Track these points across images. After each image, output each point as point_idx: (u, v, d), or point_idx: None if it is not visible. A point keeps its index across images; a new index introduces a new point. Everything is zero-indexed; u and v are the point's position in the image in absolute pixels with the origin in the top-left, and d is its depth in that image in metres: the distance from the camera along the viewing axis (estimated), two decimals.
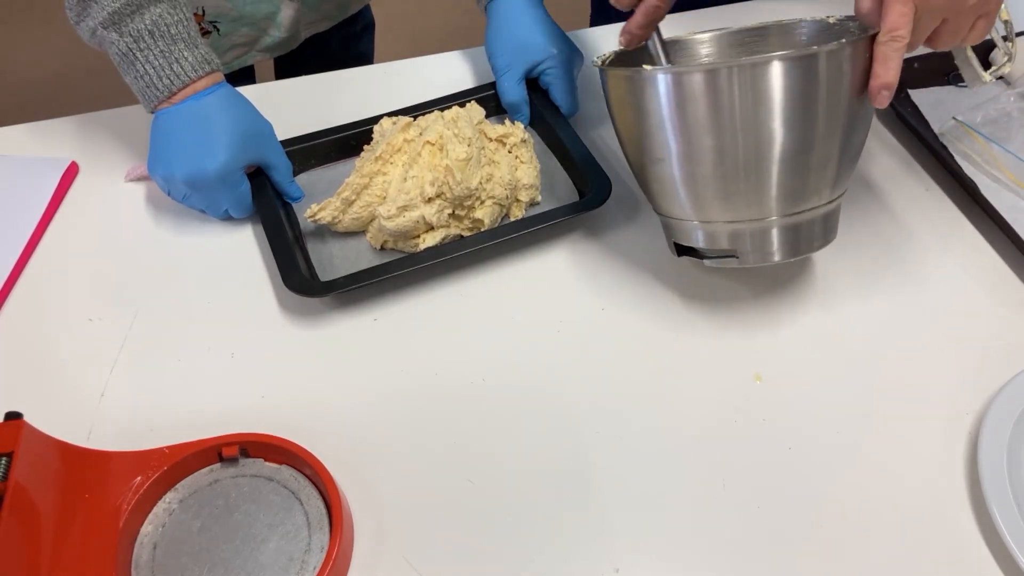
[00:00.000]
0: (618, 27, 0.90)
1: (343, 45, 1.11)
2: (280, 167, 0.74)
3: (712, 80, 0.54)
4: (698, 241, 0.62)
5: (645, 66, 0.57)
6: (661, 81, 0.56)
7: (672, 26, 0.94)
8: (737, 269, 0.70)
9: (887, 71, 0.55)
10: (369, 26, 1.18)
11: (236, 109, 0.71)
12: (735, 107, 0.55)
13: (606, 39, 0.92)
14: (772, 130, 0.56)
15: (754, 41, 0.69)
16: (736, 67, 0.54)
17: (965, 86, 0.84)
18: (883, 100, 0.56)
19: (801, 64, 0.54)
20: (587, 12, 1.22)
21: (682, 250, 0.64)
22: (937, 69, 0.85)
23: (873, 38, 0.55)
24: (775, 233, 0.60)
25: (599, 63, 0.64)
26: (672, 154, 0.58)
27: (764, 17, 0.70)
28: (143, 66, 0.67)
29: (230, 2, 0.89)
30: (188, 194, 0.71)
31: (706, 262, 0.64)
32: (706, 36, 0.70)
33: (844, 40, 0.55)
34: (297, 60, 1.04)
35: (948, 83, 0.85)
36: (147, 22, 0.66)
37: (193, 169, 0.69)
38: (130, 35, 0.67)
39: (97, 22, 0.66)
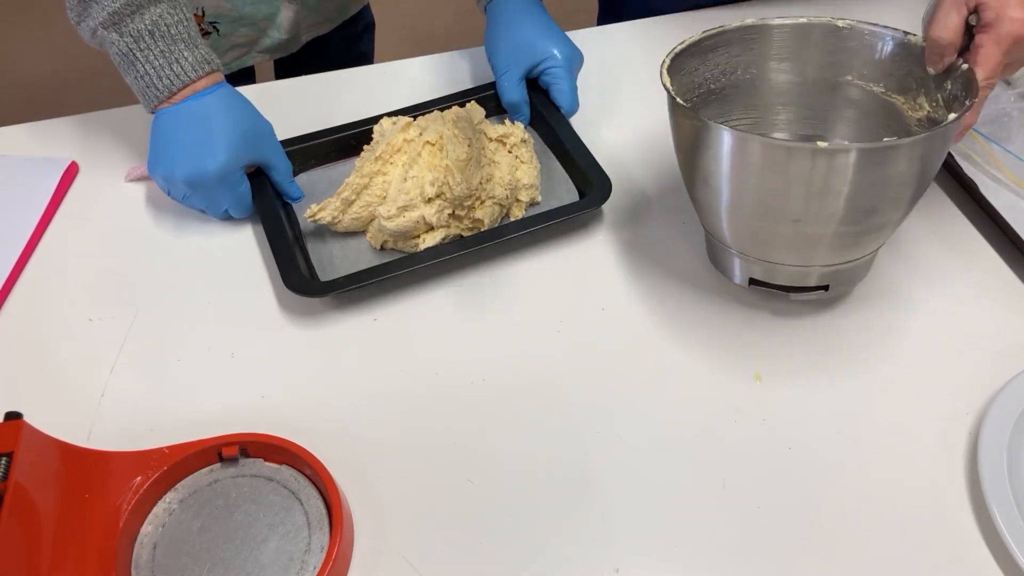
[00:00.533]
0: (626, 26, 0.90)
1: (343, 45, 1.11)
2: (280, 167, 0.74)
3: (784, 156, 0.55)
4: (758, 273, 0.65)
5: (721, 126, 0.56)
6: (726, 140, 0.56)
7: (673, 26, 0.94)
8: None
9: (974, 115, 0.59)
10: (369, 26, 1.18)
11: (236, 109, 0.71)
12: (804, 180, 0.55)
13: (614, 38, 0.92)
14: (838, 207, 0.56)
15: (834, 46, 0.67)
16: (812, 152, 0.54)
17: None
18: (961, 137, 0.60)
19: (880, 154, 0.54)
20: (595, 11, 1.22)
21: (753, 282, 0.65)
22: None
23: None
24: (816, 274, 0.63)
25: (670, 87, 0.60)
26: (731, 204, 0.60)
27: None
28: (143, 66, 0.67)
29: (230, 2, 0.89)
30: (188, 194, 0.71)
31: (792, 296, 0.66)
32: (787, 24, 0.68)
33: (924, 134, 0.54)
34: (297, 61, 1.04)
35: None
36: (147, 22, 0.66)
37: (193, 169, 0.69)
38: (130, 35, 0.67)
39: (97, 22, 0.66)
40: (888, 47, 0.65)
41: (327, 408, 0.62)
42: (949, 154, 0.77)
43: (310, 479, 0.56)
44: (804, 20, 0.67)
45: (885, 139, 0.54)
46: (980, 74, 0.58)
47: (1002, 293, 0.69)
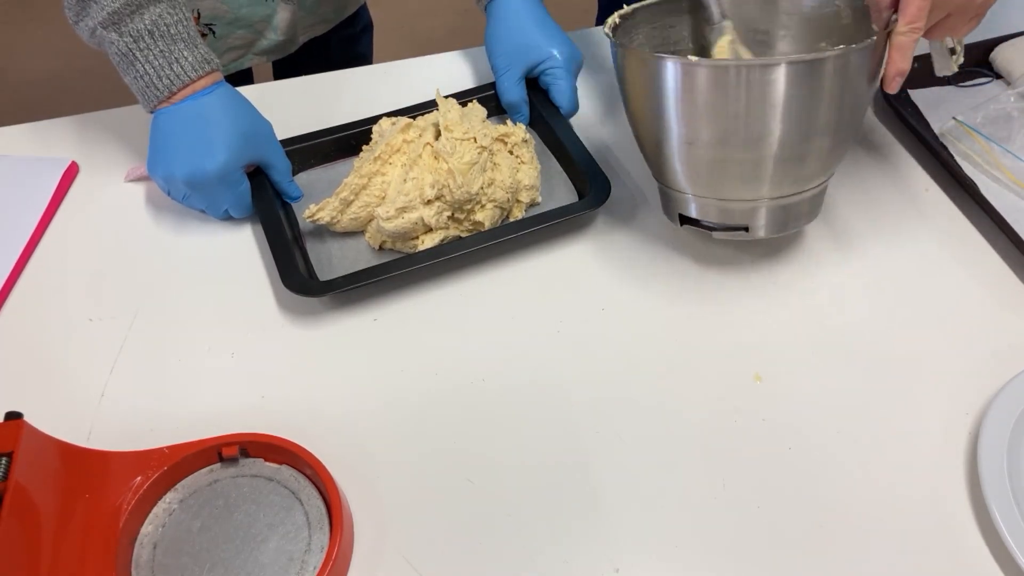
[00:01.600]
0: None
1: (342, 46, 1.11)
2: (280, 167, 0.74)
3: (722, 76, 0.58)
4: (692, 212, 0.66)
5: (659, 54, 0.60)
6: (671, 70, 0.59)
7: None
8: (736, 264, 0.70)
9: (904, 59, 0.59)
10: (368, 27, 1.18)
11: (236, 108, 0.71)
12: (741, 101, 0.58)
13: (597, 41, 0.92)
14: (772, 127, 0.58)
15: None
16: (745, 67, 0.57)
17: (966, 86, 0.85)
18: (896, 86, 0.60)
19: (809, 68, 0.57)
20: (595, 11, 1.22)
21: (684, 220, 0.67)
22: None
23: (877, 39, 0.58)
24: (763, 212, 0.64)
25: (611, 32, 0.65)
26: (676, 135, 0.62)
27: None
28: (143, 66, 0.67)
29: (226, 4, 0.89)
30: (188, 194, 0.71)
31: (714, 234, 0.67)
32: None
33: (853, 45, 0.57)
34: (295, 62, 1.04)
35: (948, 83, 0.85)
36: (147, 22, 0.66)
37: (193, 169, 0.69)
38: (130, 35, 0.67)
39: (96, 22, 0.66)
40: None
41: (327, 408, 0.62)
42: (949, 154, 0.77)
43: (310, 479, 0.56)
44: None
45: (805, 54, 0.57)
46: (901, 21, 0.59)
47: (1002, 293, 0.69)
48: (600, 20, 1.20)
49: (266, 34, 0.94)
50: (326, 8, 1.00)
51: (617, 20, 0.67)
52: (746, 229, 0.65)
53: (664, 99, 0.60)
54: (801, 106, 0.58)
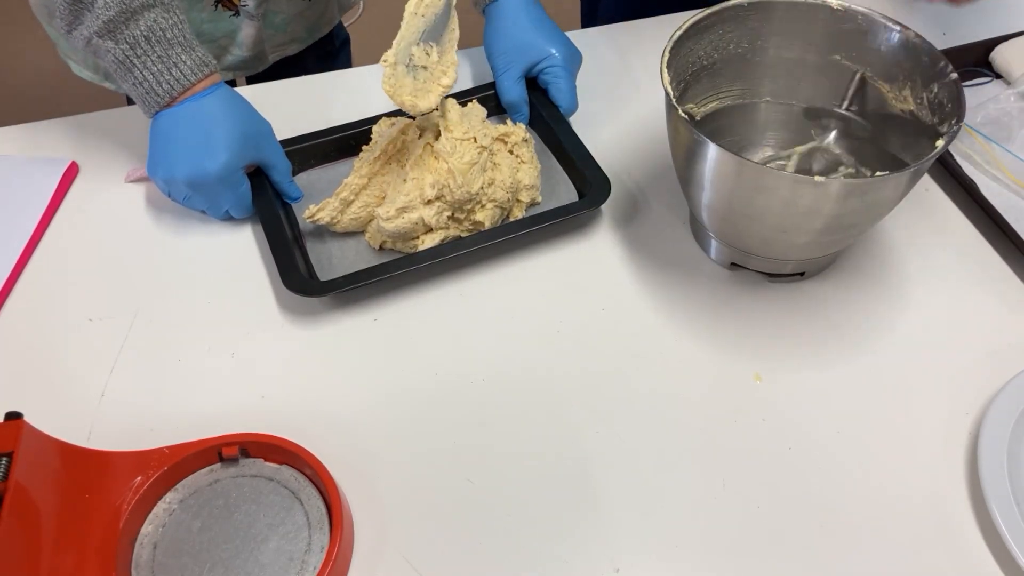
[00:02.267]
0: (608, 29, 0.90)
1: (320, 65, 1.08)
2: (280, 167, 0.74)
3: (774, 180, 0.59)
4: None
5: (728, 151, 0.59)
6: (718, 158, 0.60)
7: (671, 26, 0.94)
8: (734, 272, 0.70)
9: None
10: (345, 42, 1.15)
11: (235, 109, 0.71)
12: (787, 201, 0.60)
13: (596, 41, 0.92)
14: (815, 225, 0.61)
15: (827, 26, 0.69)
16: (794, 180, 0.59)
17: (966, 86, 0.84)
18: None
19: (864, 185, 0.59)
20: (577, 12, 1.22)
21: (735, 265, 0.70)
22: None
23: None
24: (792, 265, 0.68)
25: (670, 89, 0.63)
26: (715, 206, 0.65)
27: None
28: (141, 72, 0.67)
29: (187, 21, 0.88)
30: (189, 195, 0.71)
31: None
32: (783, 1, 0.69)
33: (911, 169, 0.58)
34: (271, 79, 1.01)
35: None
36: (142, 28, 0.66)
37: (194, 170, 0.69)
38: (126, 42, 0.66)
39: (92, 31, 0.66)
40: (880, 34, 0.66)
41: (327, 408, 0.62)
42: (949, 154, 0.77)
43: (310, 479, 0.56)
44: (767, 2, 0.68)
45: (877, 174, 0.58)
46: None
47: (1002, 293, 0.69)
48: (585, 23, 1.20)
49: (231, 50, 0.92)
50: (296, 27, 0.97)
51: (668, 55, 0.64)
52: (802, 274, 0.69)
53: (712, 176, 0.62)
54: (850, 211, 0.60)
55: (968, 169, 0.76)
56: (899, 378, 0.64)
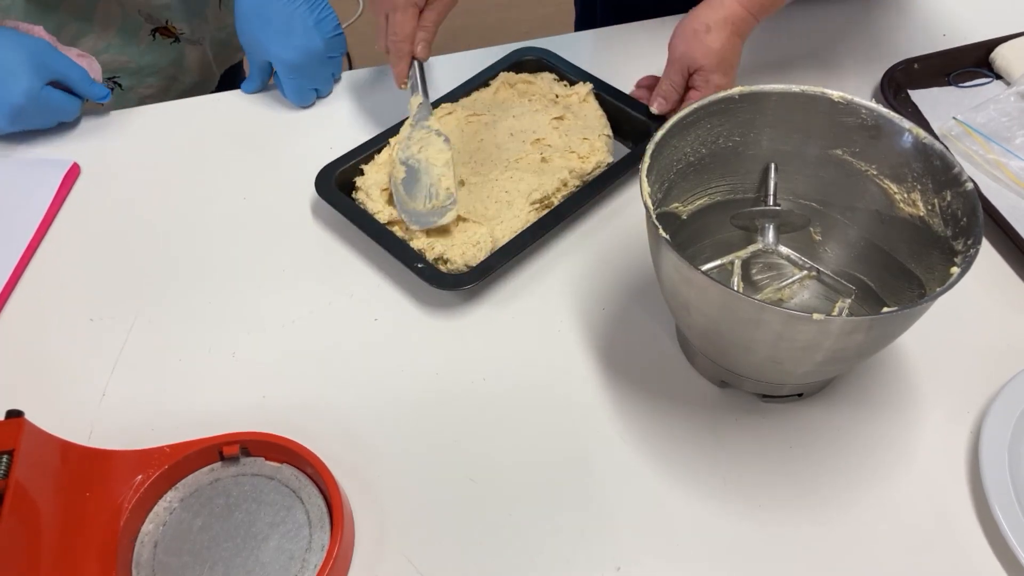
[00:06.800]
0: (601, 32, 0.89)
1: None
2: (73, 75, 0.76)
3: (768, 315, 0.51)
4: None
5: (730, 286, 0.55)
6: (708, 290, 0.52)
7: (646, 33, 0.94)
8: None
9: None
10: None
11: (16, 38, 0.74)
12: (786, 337, 0.52)
13: (589, 44, 0.92)
14: (814, 359, 0.54)
15: (826, 119, 0.61)
16: (793, 318, 0.51)
17: (966, 86, 0.85)
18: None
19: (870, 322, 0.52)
20: (571, 16, 1.22)
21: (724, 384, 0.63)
22: (937, 69, 0.85)
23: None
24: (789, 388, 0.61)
25: (650, 204, 0.55)
26: (706, 334, 0.58)
27: None
28: None
29: (125, 54, 0.87)
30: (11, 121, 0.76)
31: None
32: (776, 92, 0.61)
33: (922, 303, 0.51)
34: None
35: (948, 83, 0.85)
36: None
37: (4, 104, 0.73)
38: None
39: None
40: (886, 130, 0.59)
41: (328, 407, 0.62)
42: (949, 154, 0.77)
43: (311, 478, 0.56)
44: (796, 89, 0.60)
45: (884, 310, 0.51)
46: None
47: (1002, 293, 0.69)
48: (578, 27, 1.19)
49: (180, 77, 0.92)
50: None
51: (648, 160, 0.56)
52: (800, 395, 0.62)
53: (698, 301, 0.55)
54: (851, 346, 0.53)
55: (968, 169, 0.76)
56: (899, 377, 0.64)
